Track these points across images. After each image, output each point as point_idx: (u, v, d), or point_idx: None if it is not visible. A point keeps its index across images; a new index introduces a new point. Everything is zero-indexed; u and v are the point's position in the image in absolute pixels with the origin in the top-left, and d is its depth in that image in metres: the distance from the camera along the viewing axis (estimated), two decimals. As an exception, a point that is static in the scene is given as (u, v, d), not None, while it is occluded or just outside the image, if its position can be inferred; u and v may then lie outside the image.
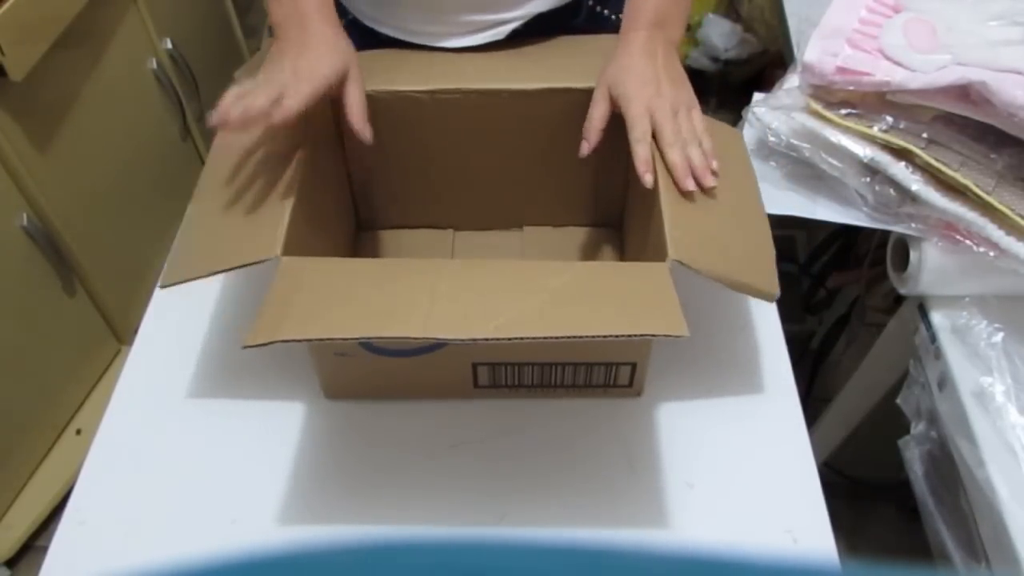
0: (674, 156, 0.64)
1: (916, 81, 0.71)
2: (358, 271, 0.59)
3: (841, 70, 0.74)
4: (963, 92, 0.70)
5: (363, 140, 0.66)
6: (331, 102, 0.72)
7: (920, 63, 0.72)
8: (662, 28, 0.71)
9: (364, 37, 0.82)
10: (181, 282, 0.59)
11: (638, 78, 0.67)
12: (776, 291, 0.60)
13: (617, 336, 0.50)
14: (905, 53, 0.73)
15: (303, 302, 0.53)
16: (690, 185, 0.64)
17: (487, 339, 0.50)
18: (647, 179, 0.64)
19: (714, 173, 0.65)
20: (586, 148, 0.68)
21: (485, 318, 0.51)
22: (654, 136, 0.66)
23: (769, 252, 0.62)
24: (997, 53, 0.70)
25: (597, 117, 0.68)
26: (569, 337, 0.50)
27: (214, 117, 0.60)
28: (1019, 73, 0.68)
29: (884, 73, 0.72)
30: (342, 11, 0.84)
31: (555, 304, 0.53)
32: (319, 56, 0.65)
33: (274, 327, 0.51)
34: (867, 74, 0.73)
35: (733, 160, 0.68)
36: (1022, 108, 0.67)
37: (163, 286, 0.59)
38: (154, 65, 1.41)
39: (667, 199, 0.62)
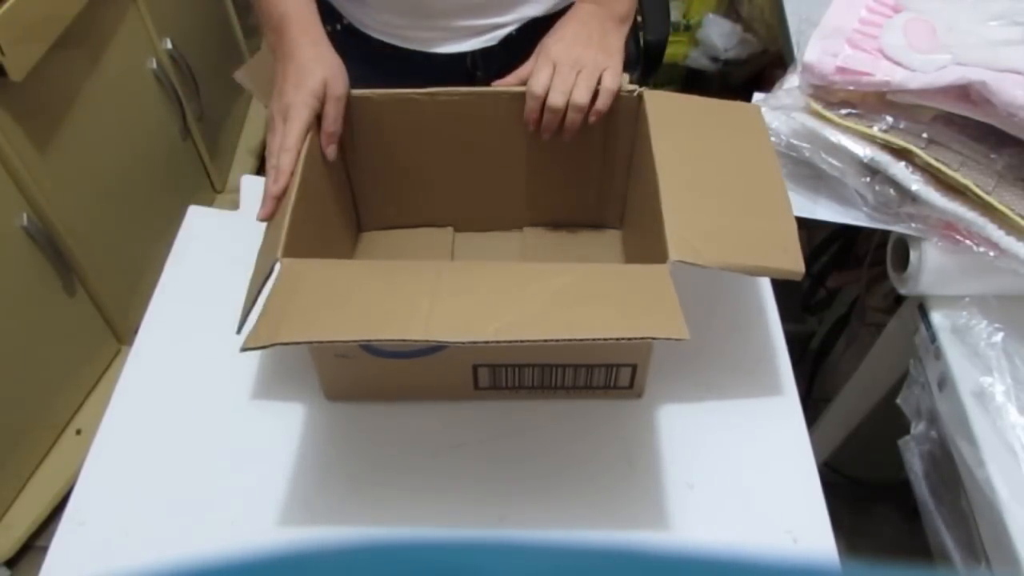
0: (549, 113, 0.69)
1: (916, 81, 0.71)
2: (358, 273, 0.59)
3: (841, 70, 0.74)
4: (963, 92, 0.70)
5: (326, 156, 0.69)
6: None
7: (920, 63, 0.72)
8: (605, 3, 0.74)
9: (358, 43, 0.82)
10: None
11: (559, 38, 0.71)
12: (801, 268, 0.58)
13: (617, 339, 0.50)
14: (905, 53, 0.73)
15: (303, 304, 0.53)
16: (545, 137, 0.70)
17: (487, 342, 0.50)
18: (528, 129, 0.70)
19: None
20: (498, 82, 0.72)
21: (485, 320, 0.51)
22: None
23: (790, 230, 0.60)
24: (997, 53, 0.70)
25: (521, 72, 0.72)
26: (569, 340, 0.50)
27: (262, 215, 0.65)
28: (1019, 73, 0.68)
29: (884, 73, 0.72)
30: (336, 16, 0.84)
31: (555, 306, 0.53)
32: (299, 86, 0.66)
33: (274, 329, 0.51)
34: (867, 74, 0.73)
35: (750, 139, 0.68)
36: (1022, 108, 0.67)
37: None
38: (154, 65, 1.41)
39: (667, 199, 0.61)
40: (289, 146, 0.64)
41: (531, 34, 0.79)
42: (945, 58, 0.71)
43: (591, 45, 0.70)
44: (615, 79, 0.69)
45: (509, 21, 0.78)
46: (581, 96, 0.67)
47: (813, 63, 0.75)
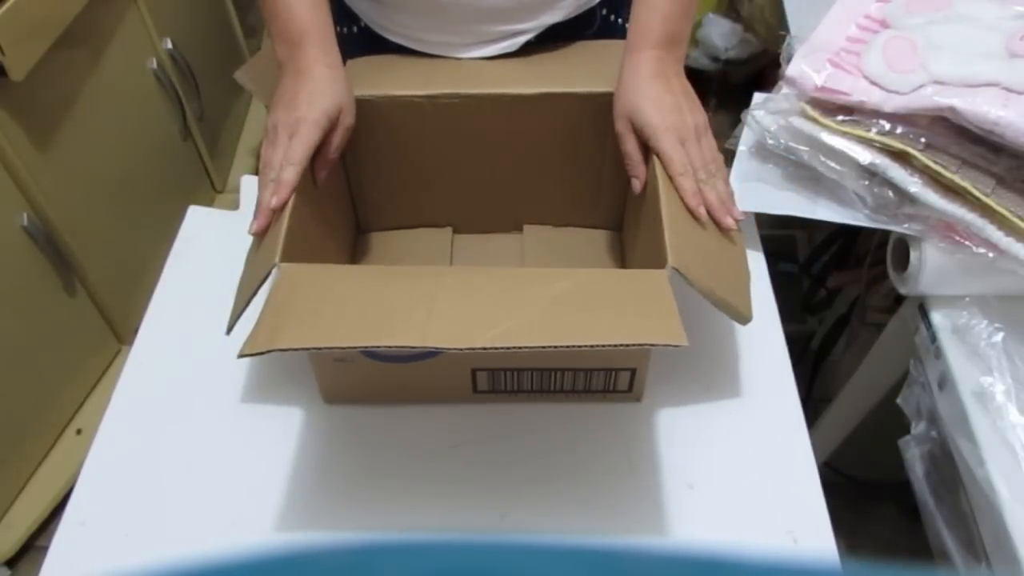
0: (709, 193, 0.65)
1: (890, 103, 0.71)
2: (356, 279, 0.59)
3: (820, 88, 0.74)
4: (939, 112, 0.70)
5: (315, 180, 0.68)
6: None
7: (896, 83, 0.72)
8: (672, 47, 0.69)
9: (374, 45, 0.81)
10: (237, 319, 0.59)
11: (658, 105, 0.66)
12: (750, 315, 0.61)
13: (615, 346, 0.50)
14: (882, 73, 0.73)
15: (301, 310, 0.53)
16: (703, 213, 0.64)
17: (485, 348, 0.49)
18: (701, 212, 0.63)
19: (735, 219, 0.65)
20: (638, 186, 0.68)
21: (483, 327, 0.51)
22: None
23: (745, 276, 0.64)
24: (973, 68, 0.70)
25: (633, 151, 0.67)
26: (566, 347, 0.50)
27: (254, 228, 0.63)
28: (994, 86, 0.68)
29: (861, 93, 0.72)
30: (353, 19, 0.83)
31: (553, 312, 0.53)
32: (312, 103, 0.64)
33: (271, 335, 0.51)
34: (844, 94, 0.73)
35: None
36: (995, 124, 0.66)
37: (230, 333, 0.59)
38: (154, 65, 1.41)
39: (668, 206, 0.62)
40: (295, 160, 0.63)
41: (548, 40, 0.78)
42: (921, 77, 0.71)
43: (688, 107, 0.67)
44: (712, 139, 0.68)
45: (529, 28, 0.77)
46: (715, 197, 0.65)
47: (796, 78, 0.75)
